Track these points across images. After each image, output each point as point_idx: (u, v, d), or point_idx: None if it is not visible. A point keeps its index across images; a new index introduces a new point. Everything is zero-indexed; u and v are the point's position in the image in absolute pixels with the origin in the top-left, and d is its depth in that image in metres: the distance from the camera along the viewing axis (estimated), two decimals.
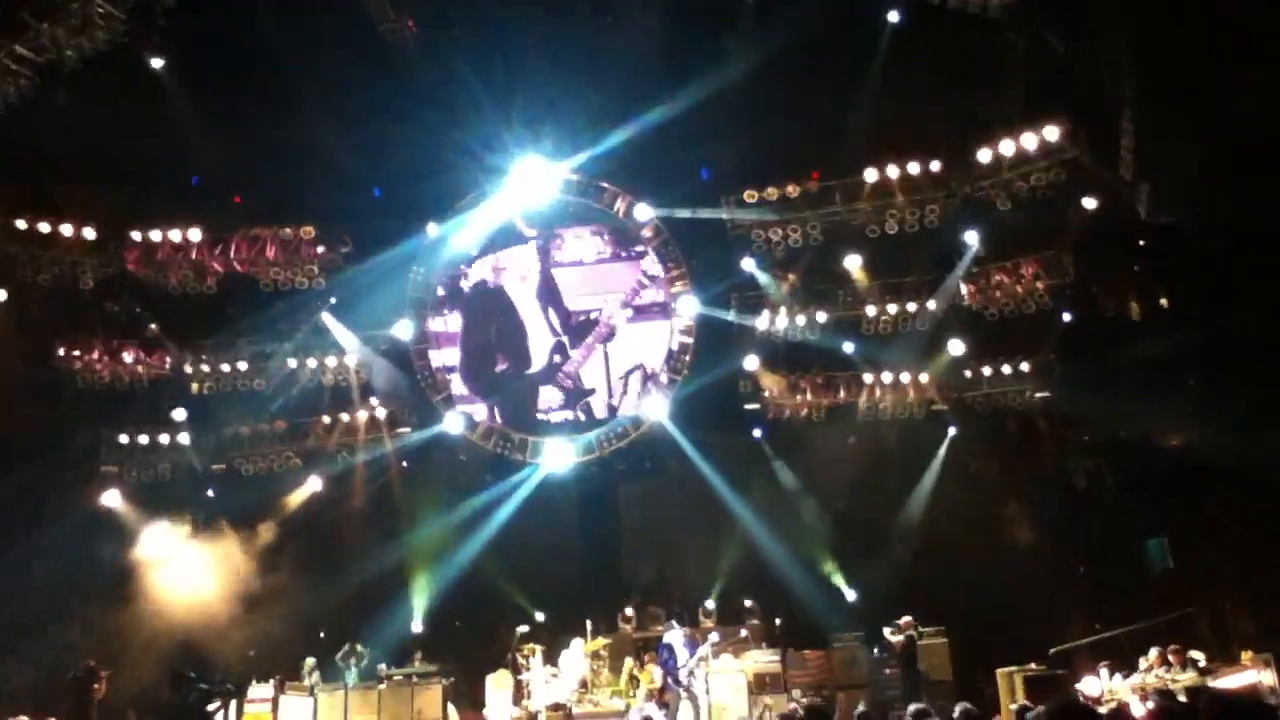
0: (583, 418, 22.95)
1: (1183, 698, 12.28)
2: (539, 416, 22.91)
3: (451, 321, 23.27)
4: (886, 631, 18.25)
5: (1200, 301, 18.83)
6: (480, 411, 22.96)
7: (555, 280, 23.15)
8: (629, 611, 21.90)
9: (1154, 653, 15.39)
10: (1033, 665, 16.98)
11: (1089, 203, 18.92)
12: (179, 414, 22.14)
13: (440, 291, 23.24)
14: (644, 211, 22.22)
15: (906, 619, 18.00)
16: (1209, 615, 17.60)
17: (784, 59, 19.26)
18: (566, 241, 23.31)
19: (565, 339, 22.93)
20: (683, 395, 22.22)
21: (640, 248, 22.95)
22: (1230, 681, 14.80)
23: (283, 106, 21.12)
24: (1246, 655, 15.23)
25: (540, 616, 21.70)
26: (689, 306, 22.15)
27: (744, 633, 20.20)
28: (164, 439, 22.10)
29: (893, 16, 18.07)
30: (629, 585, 23.29)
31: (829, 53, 19.80)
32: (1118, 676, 15.52)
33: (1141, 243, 20.42)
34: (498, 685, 18.97)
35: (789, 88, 20.77)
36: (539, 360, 23.05)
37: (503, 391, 23.12)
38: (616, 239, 23.15)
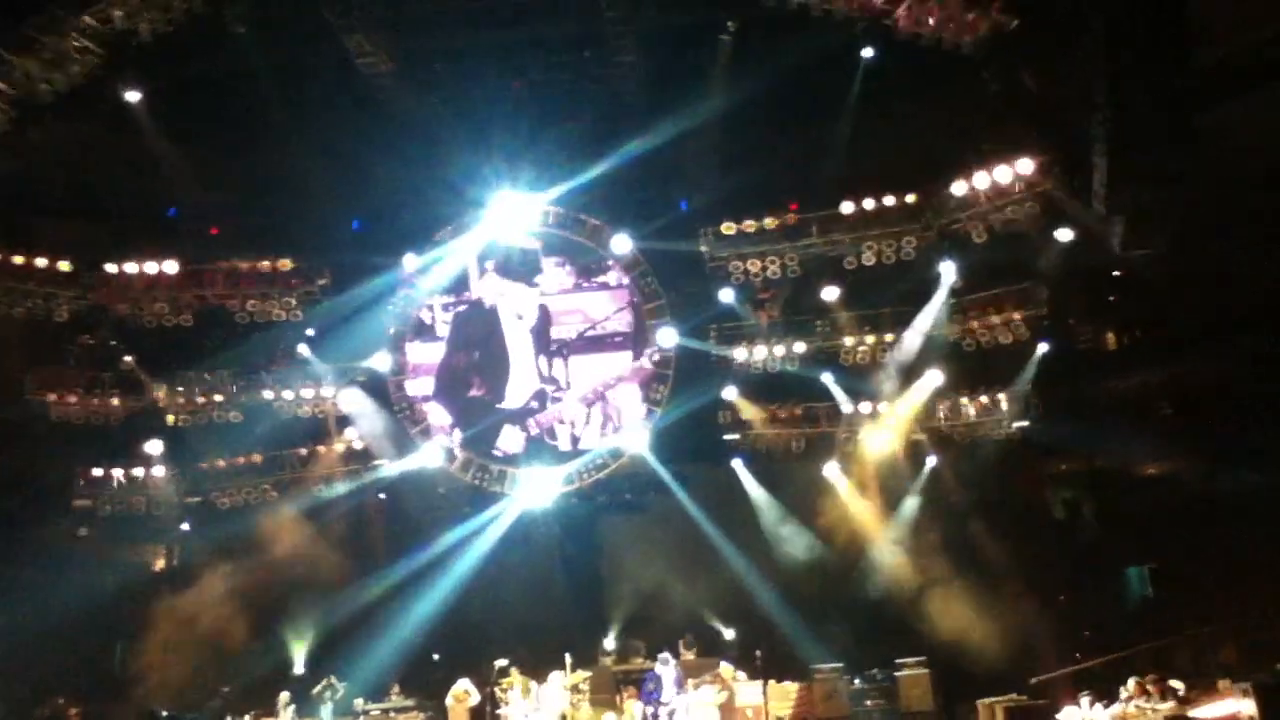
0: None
1: None
2: (495, 453, 22.64)
3: (427, 351, 22.99)
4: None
5: (1175, 335, 19.02)
6: (453, 439, 22.69)
7: (551, 330, 22.85)
8: (609, 644, 21.74)
9: (1133, 682, 15.44)
10: (1013, 696, 16.98)
11: (1063, 236, 19.06)
12: (154, 447, 21.94)
13: (424, 319, 23.01)
14: (622, 243, 22.22)
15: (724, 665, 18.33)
16: (1189, 644, 17.64)
17: (761, 93, 19.44)
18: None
19: (549, 388, 22.74)
20: (661, 426, 22.16)
21: (603, 278, 22.90)
22: (1209, 711, 14.84)
23: (261, 139, 21.21)
24: (1224, 684, 15.29)
25: (519, 650, 21.50)
26: (668, 337, 22.12)
27: (724, 664, 20.13)
28: (138, 472, 21.88)
29: (867, 52, 18.25)
30: (609, 617, 23.13)
31: (806, 87, 20.01)
32: (1098, 707, 15.55)
33: (1116, 274, 20.65)
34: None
35: (767, 121, 21.02)
36: (515, 398, 22.76)
37: (469, 417, 22.79)
38: (579, 270, 22.99)
